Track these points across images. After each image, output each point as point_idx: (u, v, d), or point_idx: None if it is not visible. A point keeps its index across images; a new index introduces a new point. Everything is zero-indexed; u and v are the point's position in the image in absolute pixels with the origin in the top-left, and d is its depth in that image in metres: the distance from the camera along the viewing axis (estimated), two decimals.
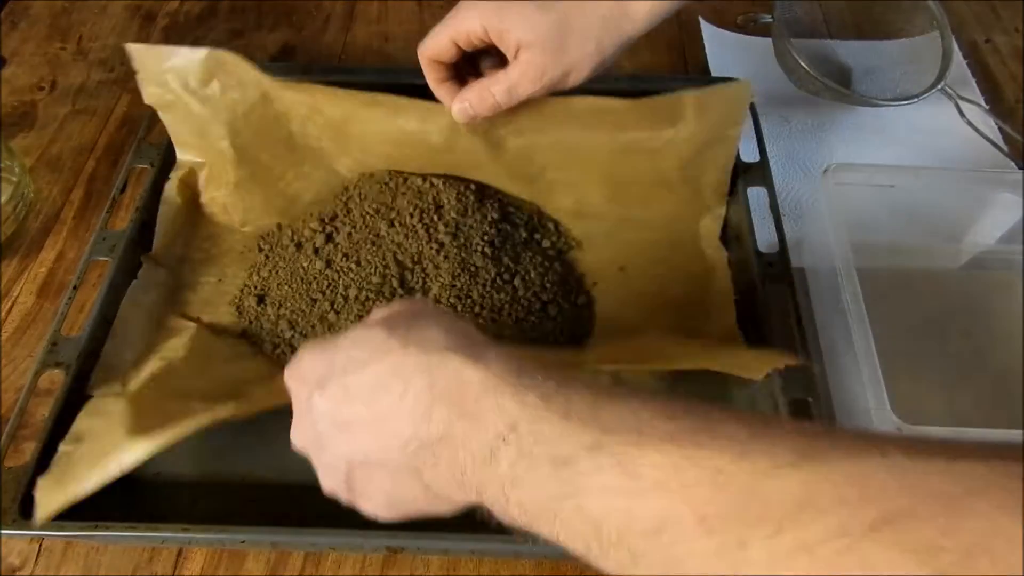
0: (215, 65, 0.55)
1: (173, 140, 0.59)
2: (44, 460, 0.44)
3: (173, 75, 0.55)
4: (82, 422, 0.46)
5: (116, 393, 0.47)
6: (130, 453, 0.41)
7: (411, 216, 0.56)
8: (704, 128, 0.55)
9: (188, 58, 0.55)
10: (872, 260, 0.57)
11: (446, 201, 0.57)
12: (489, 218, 0.57)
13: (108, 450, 0.42)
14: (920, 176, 0.56)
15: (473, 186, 0.59)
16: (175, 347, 0.50)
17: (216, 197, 0.59)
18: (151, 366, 0.49)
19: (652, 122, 0.55)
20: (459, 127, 0.54)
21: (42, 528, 0.41)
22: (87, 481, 0.41)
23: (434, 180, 0.60)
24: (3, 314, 0.56)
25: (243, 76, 0.56)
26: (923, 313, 0.58)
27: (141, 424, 0.42)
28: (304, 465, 0.34)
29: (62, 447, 0.45)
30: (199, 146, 0.59)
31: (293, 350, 0.51)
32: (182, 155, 0.59)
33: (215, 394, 0.46)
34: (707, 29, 0.78)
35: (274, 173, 0.59)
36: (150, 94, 0.56)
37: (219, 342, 0.53)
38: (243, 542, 0.42)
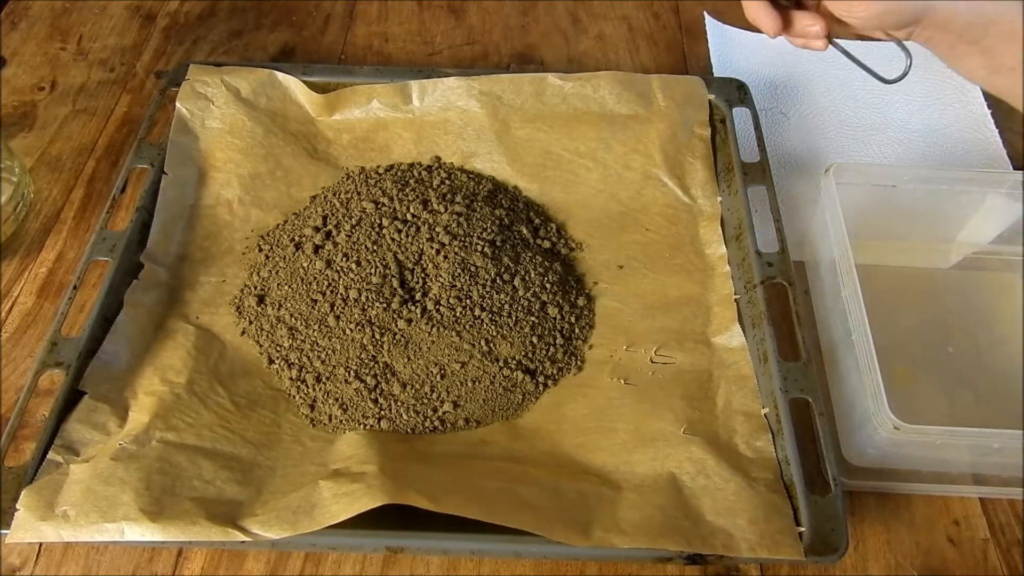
0: (267, 80, 0.63)
1: (175, 135, 0.60)
2: (44, 460, 0.44)
3: (222, 82, 0.62)
4: (75, 429, 0.46)
5: (118, 415, 0.47)
6: (135, 530, 0.41)
7: (412, 213, 0.56)
8: (671, 106, 0.63)
9: (244, 76, 0.63)
10: (872, 259, 0.58)
11: (451, 196, 0.57)
12: (493, 217, 0.57)
13: (108, 511, 0.42)
14: (920, 176, 0.57)
15: (486, 182, 0.61)
16: (176, 366, 0.50)
17: (223, 194, 0.60)
18: (152, 384, 0.49)
19: (632, 93, 0.63)
20: (475, 112, 0.63)
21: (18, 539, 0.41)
22: (78, 529, 0.41)
23: (440, 173, 0.61)
24: (3, 314, 0.56)
25: (290, 94, 0.64)
26: (923, 313, 0.58)
27: (152, 496, 0.43)
28: None
29: (52, 454, 0.45)
30: (217, 144, 0.61)
31: (289, 366, 0.52)
32: (186, 153, 0.60)
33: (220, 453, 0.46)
34: (712, 25, 0.78)
35: (292, 175, 0.62)
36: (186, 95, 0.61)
37: (215, 349, 0.53)
38: (243, 542, 0.42)
